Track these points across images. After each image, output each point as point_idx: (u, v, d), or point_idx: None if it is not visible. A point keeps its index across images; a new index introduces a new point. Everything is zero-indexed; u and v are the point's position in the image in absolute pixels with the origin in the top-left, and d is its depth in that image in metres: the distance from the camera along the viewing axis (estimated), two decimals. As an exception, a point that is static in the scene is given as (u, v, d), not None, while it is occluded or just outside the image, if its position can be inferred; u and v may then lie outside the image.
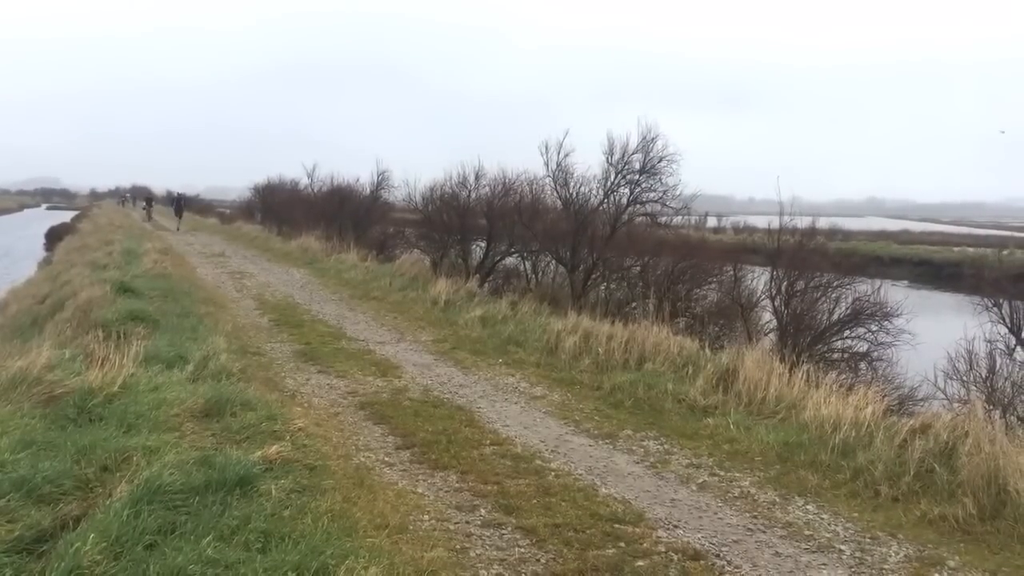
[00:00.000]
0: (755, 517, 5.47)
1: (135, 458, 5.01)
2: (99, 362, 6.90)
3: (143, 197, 64.59)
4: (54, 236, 41.48)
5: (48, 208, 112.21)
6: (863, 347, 11.05)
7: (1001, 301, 9.37)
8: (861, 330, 11.06)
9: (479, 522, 5.15)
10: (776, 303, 11.30)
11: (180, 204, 44.60)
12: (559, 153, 14.93)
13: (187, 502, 4.39)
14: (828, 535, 5.19)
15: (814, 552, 4.95)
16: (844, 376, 9.56)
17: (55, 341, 8.58)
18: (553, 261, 15.86)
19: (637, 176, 14.18)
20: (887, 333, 10.84)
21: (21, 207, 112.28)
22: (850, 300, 11.16)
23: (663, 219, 14.93)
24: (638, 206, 14.54)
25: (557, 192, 15.37)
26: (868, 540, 5.13)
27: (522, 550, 4.76)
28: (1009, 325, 9.16)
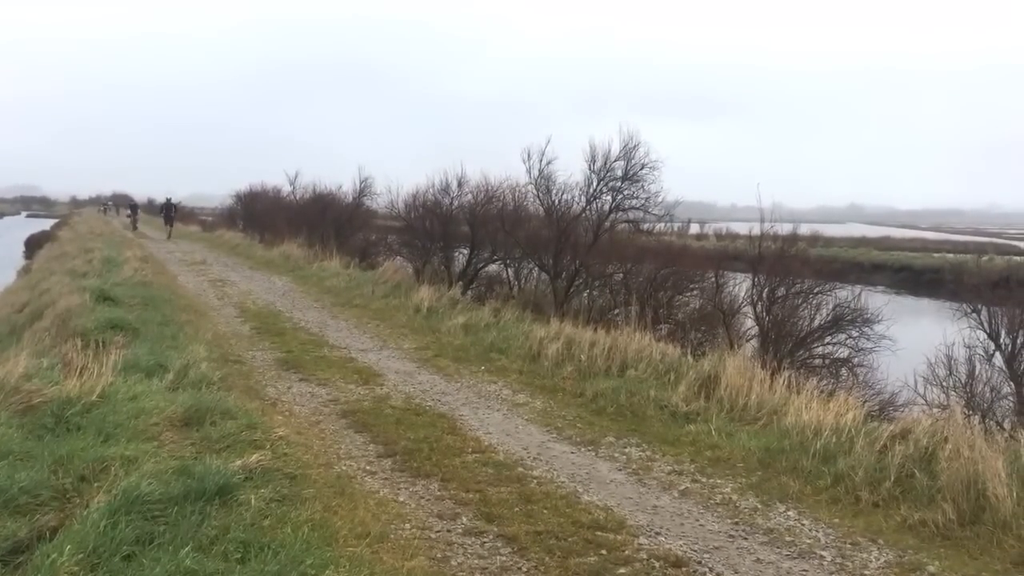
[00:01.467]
0: (737, 523, 5.47)
1: (113, 468, 4.97)
2: (77, 371, 6.84)
3: (127, 205, 59.71)
4: (33, 244, 41.20)
5: (28, 216, 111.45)
6: (844, 353, 11.10)
7: (980, 307, 9.44)
8: (842, 336, 11.12)
9: (461, 530, 5.13)
10: (758, 309, 11.34)
11: (170, 211, 41.13)
12: (541, 160, 14.94)
13: (165, 512, 4.36)
14: (809, 541, 5.21)
15: (795, 558, 4.96)
16: (825, 382, 9.61)
17: (33, 350, 8.51)
18: (536, 268, 15.87)
19: (619, 183, 14.22)
20: (867, 339, 10.90)
21: (1, 214, 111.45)
22: (831, 306, 11.21)
23: (645, 226, 14.97)
24: (620, 213, 14.57)
25: (539, 199, 15.38)
26: (849, 546, 5.15)
27: (504, 558, 4.75)
28: (988, 330, 9.23)
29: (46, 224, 63.35)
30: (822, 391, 8.13)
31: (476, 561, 4.70)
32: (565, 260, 14.43)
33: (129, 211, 50.59)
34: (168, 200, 42.29)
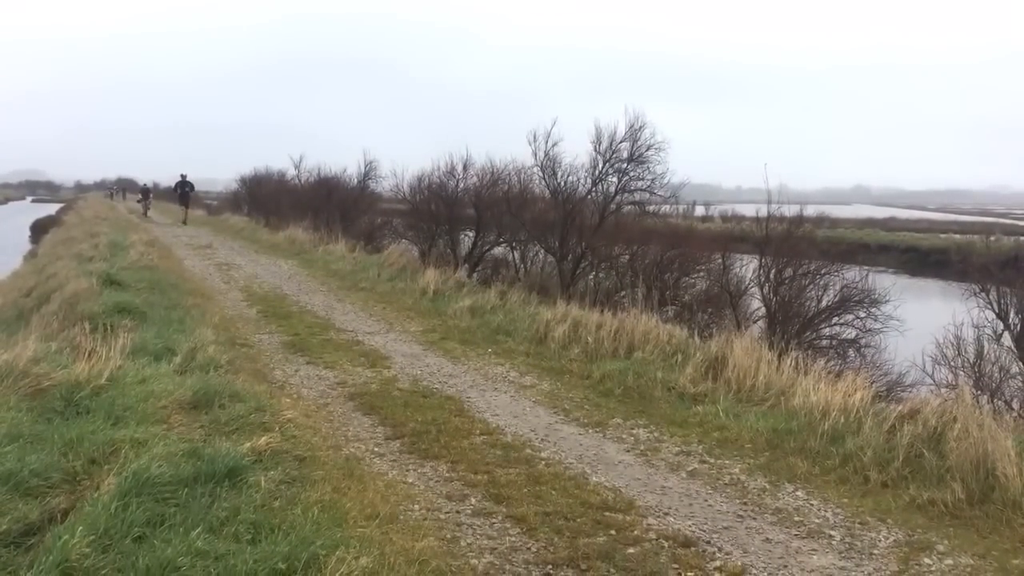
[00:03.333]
0: (745, 504, 5.48)
1: (123, 450, 4.97)
2: (86, 355, 6.85)
3: (139, 189, 52.24)
4: (39, 228, 41.22)
5: (33, 201, 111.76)
6: (851, 334, 11.08)
7: (988, 287, 9.40)
8: (849, 317, 11.10)
9: (470, 511, 5.14)
10: (765, 291, 11.31)
11: (186, 191, 35.73)
12: (547, 142, 14.90)
13: (176, 494, 4.36)
14: (818, 521, 5.21)
15: (804, 538, 4.96)
16: (833, 363, 9.60)
17: (41, 334, 8.52)
18: (542, 250, 15.84)
19: (625, 165, 14.18)
20: (875, 320, 10.87)
21: (6, 199, 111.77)
22: (838, 287, 11.19)
23: (651, 208, 14.93)
24: (626, 195, 14.53)
25: (545, 181, 15.35)
26: (858, 525, 5.15)
27: (513, 539, 4.76)
28: (996, 310, 9.19)
29: (51, 209, 63.41)
30: (830, 372, 8.12)
31: (485, 542, 4.71)
32: (571, 242, 14.41)
33: (140, 196, 46.03)
34: (183, 178, 36.20)
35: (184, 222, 33.92)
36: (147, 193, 44.51)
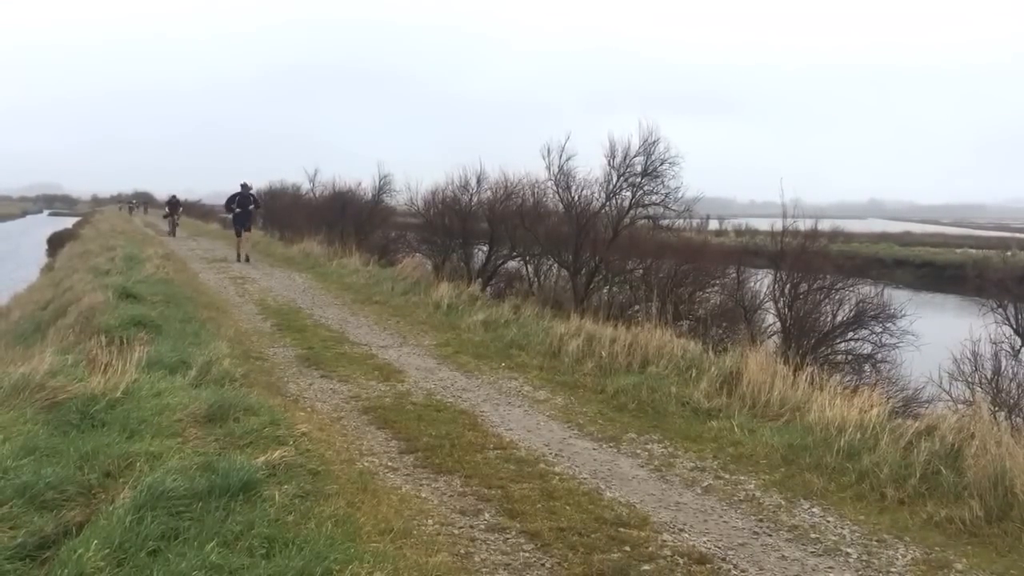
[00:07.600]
0: (761, 520, 5.44)
1: (138, 464, 4.99)
2: (102, 368, 6.87)
3: (165, 202, 43.71)
4: (56, 242, 41.52)
5: (50, 214, 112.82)
6: (867, 349, 11.01)
7: (1006, 302, 9.33)
8: (865, 332, 11.03)
9: (483, 526, 5.13)
10: (779, 305, 11.26)
11: (248, 209, 24.62)
12: (561, 157, 14.91)
13: (190, 507, 4.37)
14: (834, 538, 5.17)
15: (820, 555, 4.92)
16: (848, 378, 9.54)
17: (58, 347, 8.57)
18: (555, 264, 15.84)
19: (639, 179, 14.16)
20: (891, 335, 10.81)
21: (23, 213, 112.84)
22: (853, 302, 11.13)
23: (665, 222, 14.91)
24: (640, 209, 14.51)
25: (559, 195, 15.35)
26: (874, 543, 5.11)
27: (527, 554, 4.74)
28: (1014, 326, 9.12)
29: (68, 222, 63.94)
30: (845, 387, 8.07)
31: (499, 557, 4.70)
32: (585, 256, 14.40)
33: (167, 210, 39.20)
34: (244, 189, 24.59)
35: (245, 258, 23.45)
36: (175, 207, 38.27)
